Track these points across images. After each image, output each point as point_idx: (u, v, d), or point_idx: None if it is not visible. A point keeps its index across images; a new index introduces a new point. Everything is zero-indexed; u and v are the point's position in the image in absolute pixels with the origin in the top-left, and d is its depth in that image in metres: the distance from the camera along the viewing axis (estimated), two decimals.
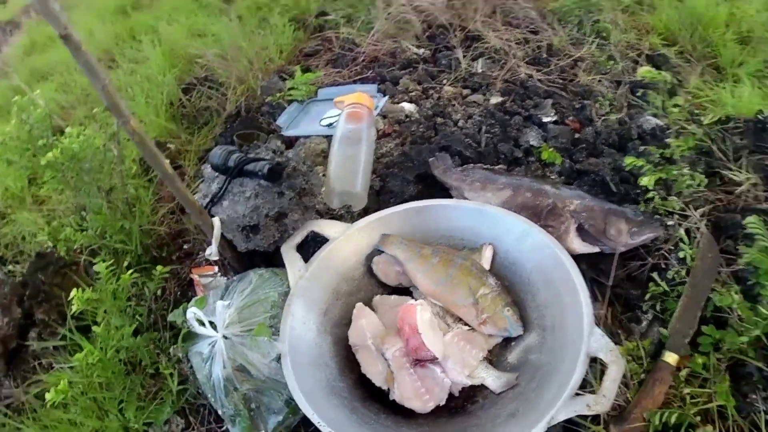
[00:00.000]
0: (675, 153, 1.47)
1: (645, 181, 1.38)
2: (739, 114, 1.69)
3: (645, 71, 1.61)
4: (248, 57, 2.25)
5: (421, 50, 2.18)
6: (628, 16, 2.39)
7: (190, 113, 2.21)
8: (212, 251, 1.29)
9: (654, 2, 2.42)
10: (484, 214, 1.29)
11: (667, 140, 1.54)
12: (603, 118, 1.73)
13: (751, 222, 1.17)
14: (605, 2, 2.31)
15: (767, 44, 2.09)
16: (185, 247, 1.67)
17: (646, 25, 2.33)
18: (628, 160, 1.44)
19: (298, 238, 1.30)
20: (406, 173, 1.51)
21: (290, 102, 1.92)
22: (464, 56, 2.06)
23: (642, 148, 1.54)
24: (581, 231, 1.26)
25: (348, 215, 1.42)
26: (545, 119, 1.72)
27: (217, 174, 1.39)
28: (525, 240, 1.22)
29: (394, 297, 1.26)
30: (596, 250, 1.27)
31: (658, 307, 1.20)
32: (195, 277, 1.43)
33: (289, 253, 1.26)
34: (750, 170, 1.46)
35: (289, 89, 1.96)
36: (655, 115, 1.70)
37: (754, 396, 1.04)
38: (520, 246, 1.23)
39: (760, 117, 1.62)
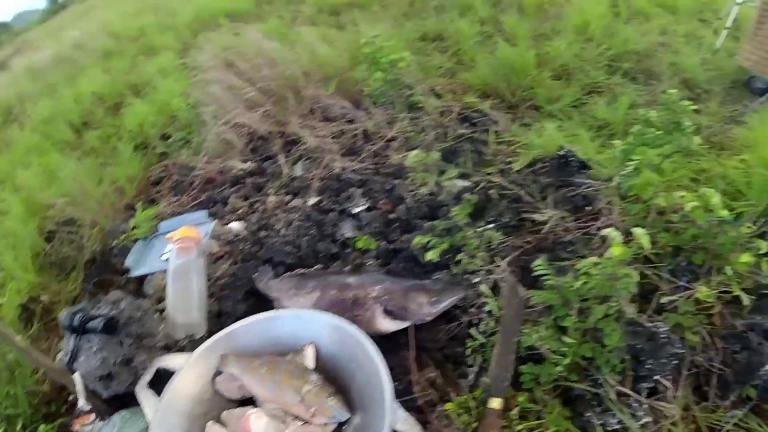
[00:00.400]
0: (458, 220, 1.57)
1: (430, 255, 1.51)
2: (547, 152, 1.87)
3: (414, 156, 1.76)
4: (97, 198, 2.42)
5: (248, 164, 2.40)
6: (448, 79, 2.58)
7: (57, 261, 2.36)
8: (81, 403, 1.52)
9: (470, 60, 2.60)
10: (299, 318, 1.53)
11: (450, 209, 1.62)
12: (413, 193, 1.90)
13: (538, 264, 1.30)
14: (416, 77, 2.46)
15: (581, 72, 2.31)
16: (70, 398, 1.81)
17: (463, 85, 2.53)
18: (416, 240, 1.58)
19: (147, 376, 1.52)
20: (236, 292, 1.75)
21: (135, 241, 2.10)
22: (286, 161, 2.31)
23: (428, 224, 1.69)
24: (387, 312, 1.48)
25: (189, 344, 1.62)
26: (356, 210, 1.96)
27: None
28: (336, 334, 1.42)
29: (238, 409, 1.45)
30: (406, 324, 1.47)
31: (481, 359, 1.36)
32: (76, 427, 1.62)
33: (142, 393, 1.48)
34: (556, 206, 1.62)
35: (133, 228, 2.13)
36: (463, 177, 1.83)
37: (589, 414, 1.20)
38: (334, 340, 1.43)
39: (560, 153, 1.79)
